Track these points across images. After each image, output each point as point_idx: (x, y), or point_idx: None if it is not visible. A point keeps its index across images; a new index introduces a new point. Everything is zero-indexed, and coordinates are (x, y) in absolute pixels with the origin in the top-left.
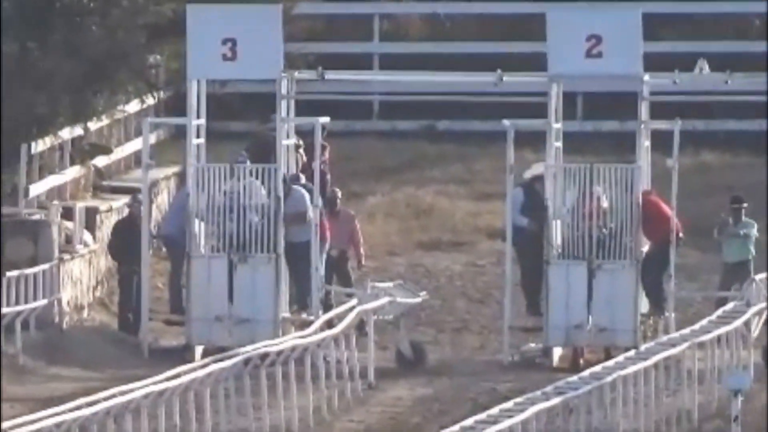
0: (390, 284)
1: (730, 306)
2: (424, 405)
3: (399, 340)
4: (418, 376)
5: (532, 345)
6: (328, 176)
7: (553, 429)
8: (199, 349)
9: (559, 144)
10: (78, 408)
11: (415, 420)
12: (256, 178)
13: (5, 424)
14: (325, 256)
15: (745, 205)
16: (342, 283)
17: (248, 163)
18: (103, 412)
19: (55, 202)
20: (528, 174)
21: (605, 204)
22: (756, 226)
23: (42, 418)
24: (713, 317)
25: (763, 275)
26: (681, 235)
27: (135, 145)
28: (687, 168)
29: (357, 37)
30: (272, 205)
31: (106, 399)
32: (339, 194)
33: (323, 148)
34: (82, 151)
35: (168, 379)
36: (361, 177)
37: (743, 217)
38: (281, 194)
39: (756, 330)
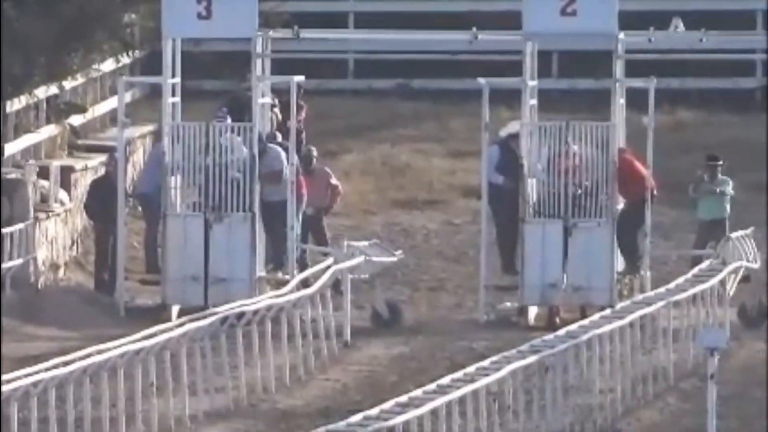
0: (365, 243)
1: (705, 264)
2: (400, 364)
3: (375, 299)
4: (394, 335)
5: (508, 304)
6: (304, 135)
7: (529, 387)
8: (175, 309)
9: (534, 102)
10: (54, 367)
11: (392, 378)
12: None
13: None
14: (301, 215)
15: (720, 162)
16: (318, 242)
17: (228, 120)
18: (79, 371)
19: (31, 161)
20: (503, 132)
21: (577, 162)
22: (731, 183)
23: (18, 378)
24: (689, 276)
25: (738, 233)
26: (655, 193)
27: (110, 103)
28: (662, 126)
29: None
30: (248, 164)
31: (82, 358)
32: (314, 152)
33: (299, 107)
34: (58, 109)
35: (144, 338)
36: (336, 135)
37: (719, 175)
38: (256, 152)
39: (731, 288)
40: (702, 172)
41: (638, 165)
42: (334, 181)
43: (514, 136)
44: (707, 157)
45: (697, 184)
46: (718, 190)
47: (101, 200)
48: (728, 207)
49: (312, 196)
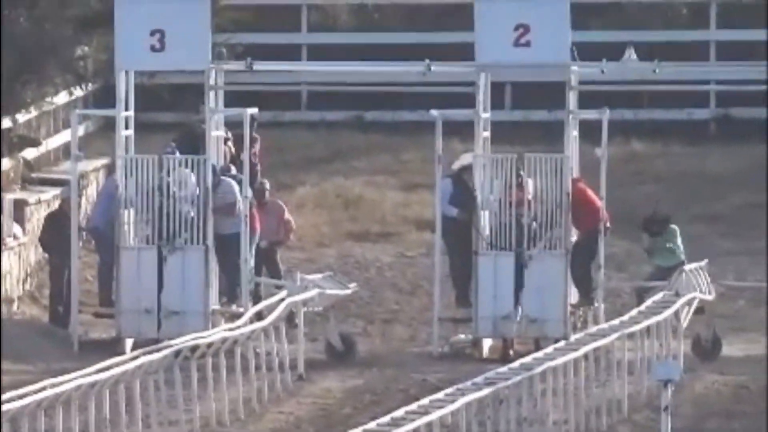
0: (319, 276)
1: (659, 296)
2: (354, 396)
3: (329, 331)
4: (349, 367)
5: (462, 336)
6: (258, 167)
7: (483, 419)
8: (129, 342)
9: (488, 134)
10: (9, 401)
11: (346, 411)
12: (186, 168)
13: None
14: (254, 247)
15: (666, 220)
16: (272, 275)
17: (177, 153)
18: (33, 405)
19: None
20: (456, 165)
21: (530, 194)
22: (678, 231)
23: None
24: (642, 308)
25: (692, 265)
26: (609, 225)
27: (64, 136)
28: (616, 157)
29: (285, 27)
30: (201, 197)
31: (36, 392)
32: (267, 185)
33: (253, 139)
34: (11, 142)
35: (98, 371)
36: (290, 168)
37: (667, 229)
38: (210, 185)
39: (685, 320)
40: (655, 214)
41: (592, 195)
42: (287, 215)
43: (467, 168)
44: (645, 223)
45: (649, 243)
46: (668, 246)
47: (56, 233)
48: (682, 255)
49: (265, 229)
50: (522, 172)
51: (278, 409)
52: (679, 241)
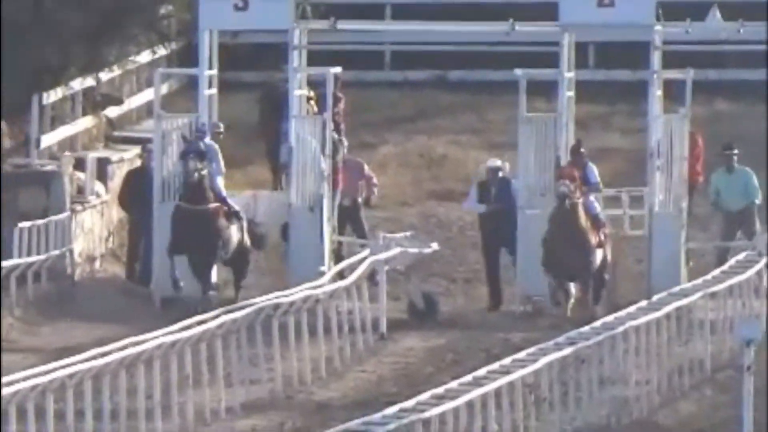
0: (402, 235)
1: (742, 256)
2: (436, 355)
3: (411, 290)
4: (430, 326)
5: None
6: (342, 126)
7: (565, 379)
8: (212, 299)
9: (571, 93)
10: (91, 359)
11: (428, 370)
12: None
13: (19, 375)
14: (337, 206)
15: (736, 151)
16: (356, 234)
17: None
18: (115, 363)
19: (67, 152)
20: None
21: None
22: (752, 174)
23: (55, 369)
24: (725, 267)
25: None
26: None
27: (146, 95)
28: (699, 117)
29: None
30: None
31: (118, 350)
32: (345, 143)
33: (337, 99)
34: (94, 101)
35: (180, 329)
36: (373, 127)
37: (735, 164)
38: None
39: None
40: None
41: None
42: (367, 171)
43: (494, 170)
44: (723, 146)
45: (715, 177)
46: (740, 186)
47: (136, 191)
48: (754, 195)
49: (347, 187)
50: (582, 149)
51: (360, 368)
52: (752, 179)
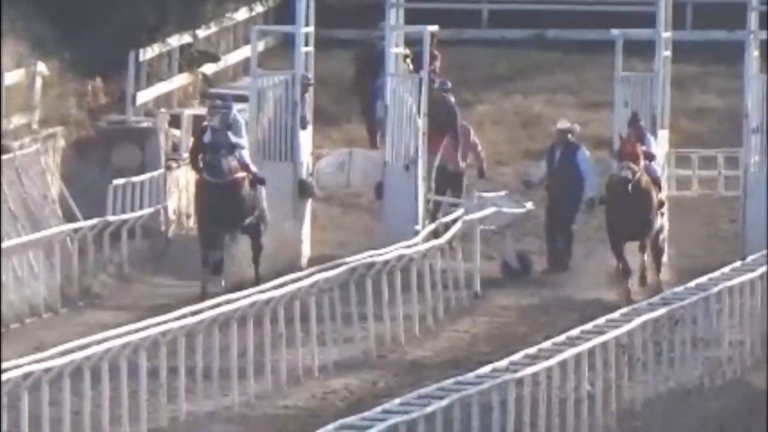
0: (496, 194)
1: None
2: (530, 315)
3: (505, 250)
4: (524, 286)
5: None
6: (436, 85)
7: (659, 339)
8: (305, 256)
9: (668, 53)
10: (183, 317)
11: (522, 329)
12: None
13: (111, 332)
14: (436, 167)
15: None
16: (453, 194)
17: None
18: (208, 321)
19: (163, 109)
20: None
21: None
22: None
23: (148, 327)
24: None
25: None
26: None
27: (243, 52)
28: None
29: None
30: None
31: (211, 308)
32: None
33: (433, 56)
34: (190, 58)
35: (274, 288)
36: (469, 86)
37: None
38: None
39: None
40: None
41: None
42: (473, 137)
43: (564, 132)
44: None
45: None
46: None
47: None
48: None
49: (447, 151)
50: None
51: (453, 327)
52: None
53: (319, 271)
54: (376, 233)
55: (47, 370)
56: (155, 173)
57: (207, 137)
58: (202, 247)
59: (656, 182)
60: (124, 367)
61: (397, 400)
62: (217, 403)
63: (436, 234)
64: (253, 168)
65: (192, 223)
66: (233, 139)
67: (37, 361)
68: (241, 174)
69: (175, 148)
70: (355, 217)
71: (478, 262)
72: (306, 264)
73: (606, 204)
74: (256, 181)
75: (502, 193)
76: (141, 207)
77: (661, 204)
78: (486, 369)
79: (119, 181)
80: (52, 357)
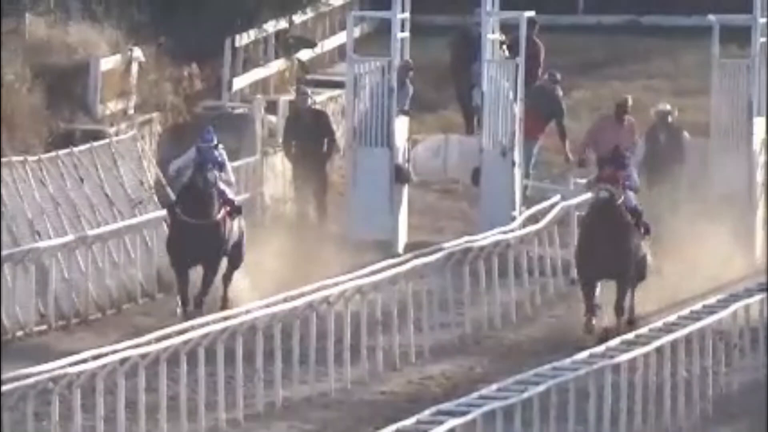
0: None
1: None
2: None
3: None
4: None
5: None
6: (539, 71)
7: (755, 325)
8: (401, 242)
9: (765, 39)
10: (280, 302)
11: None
12: None
13: (211, 317)
14: (535, 150)
15: None
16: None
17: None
18: (304, 307)
19: (259, 95)
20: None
21: None
22: None
23: (241, 314)
24: None
25: None
26: None
27: (339, 38)
28: None
29: None
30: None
31: (310, 293)
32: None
33: (536, 45)
34: (286, 44)
35: (370, 273)
36: (566, 71)
37: None
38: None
39: None
40: None
41: None
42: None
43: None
44: None
45: None
46: None
47: (292, 137)
48: None
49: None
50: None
51: (550, 313)
52: None
53: (416, 257)
54: (473, 219)
55: (144, 356)
56: (251, 159)
57: (193, 155)
58: (179, 285)
59: (634, 213)
60: (220, 352)
61: (494, 386)
62: (314, 388)
63: (533, 220)
64: (231, 196)
65: (288, 208)
66: (221, 158)
67: (133, 347)
68: (222, 213)
69: (271, 134)
70: (452, 202)
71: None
72: (403, 250)
73: (579, 235)
74: (234, 211)
75: None
76: (237, 192)
77: (644, 229)
78: (583, 355)
79: None
80: (148, 342)
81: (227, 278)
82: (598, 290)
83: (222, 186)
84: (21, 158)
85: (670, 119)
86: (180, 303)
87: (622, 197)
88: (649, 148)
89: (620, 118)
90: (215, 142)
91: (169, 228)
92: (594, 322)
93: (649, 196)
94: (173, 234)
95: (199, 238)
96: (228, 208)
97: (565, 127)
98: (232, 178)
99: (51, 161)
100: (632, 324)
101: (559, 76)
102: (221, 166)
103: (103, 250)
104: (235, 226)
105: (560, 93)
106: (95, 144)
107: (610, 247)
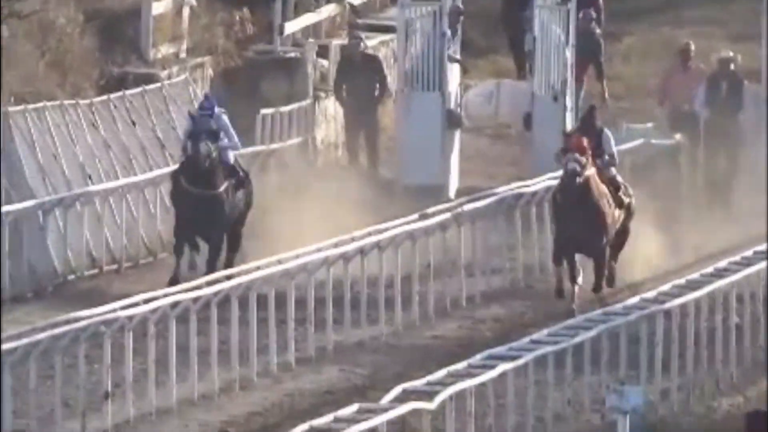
0: (644, 126)
1: None
2: (678, 246)
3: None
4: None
5: None
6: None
7: None
8: (452, 187)
9: None
10: (330, 247)
11: (672, 262)
12: None
13: (264, 260)
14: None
15: None
16: None
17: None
18: (354, 252)
19: (311, 39)
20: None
21: None
22: None
23: (294, 257)
24: None
25: None
26: None
27: None
28: None
29: None
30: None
31: (359, 238)
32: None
33: None
34: None
35: (420, 218)
36: (617, 17)
37: None
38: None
39: None
40: None
41: None
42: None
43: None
44: None
45: None
46: None
47: (345, 81)
48: None
49: None
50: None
51: None
52: None
53: (468, 202)
54: (525, 164)
55: (195, 299)
56: (303, 103)
57: (188, 125)
58: (175, 253)
59: (613, 182)
60: (271, 296)
61: (545, 331)
62: (365, 333)
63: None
64: (236, 164)
65: (339, 153)
66: (215, 126)
67: (185, 291)
68: (225, 185)
69: (323, 78)
70: (503, 147)
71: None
72: (454, 195)
73: (554, 222)
74: (241, 182)
75: (650, 124)
76: (289, 137)
77: (620, 204)
78: (634, 300)
79: (267, 111)
80: (199, 286)
81: (228, 265)
82: (577, 268)
83: (229, 155)
84: (73, 102)
85: (732, 66)
86: (173, 273)
87: (592, 169)
88: (709, 95)
89: (686, 64)
90: (214, 110)
91: (170, 197)
92: (564, 286)
93: (709, 146)
94: (175, 202)
95: (200, 208)
96: (233, 180)
97: (603, 64)
98: (236, 140)
99: (103, 105)
100: (610, 282)
101: (593, 14)
102: (215, 135)
103: (155, 194)
104: (240, 199)
105: (597, 31)
106: (147, 88)
107: (581, 223)
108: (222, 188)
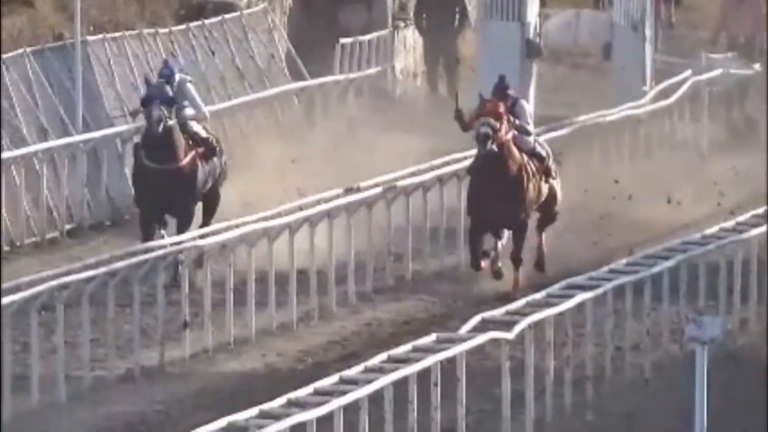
0: (723, 55)
1: None
2: (752, 177)
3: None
4: (753, 149)
5: None
6: None
7: None
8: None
9: None
10: (411, 175)
11: (748, 189)
12: None
13: (329, 193)
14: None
15: None
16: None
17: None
18: (432, 179)
19: None
20: None
21: None
22: None
23: (377, 185)
24: None
25: None
26: None
27: None
28: None
29: None
30: None
31: (436, 167)
32: None
33: None
34: None
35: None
36: None
37: None
38: None
39: None
40: None
41: None
42: None
43: None
44: None
45: None
46: None
47: (424, 11)
48: None
49: None
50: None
51: (678, 188)
52: None
53: (546, 131)
54: (604, 93)
55: (268, 229)
56: (383, 32)
57: (142, 91)
58: (142, 232)
59: (533, 153)
60: (350, 224)
61: (623, 260)
62: (443, 263)
63: (663, 95)
64: (204, 134)
65: (419, 83)
66: (173, 93)
67: (261, 220)
68: (190, 156)
69: (402, 7)
70: (583, 77)
71: (706, 121)
72: (533, 123)
73: (469, 195)
74: (212, 151)
75: (730, 54)
76: (368, 66)
77: (546, 172)
78: (713, 229)
79: (346, 40)
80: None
81: (208, 214)
82: (502, 240)
83: (193, 126)
84: (152, 31)
85: None
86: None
87: (509, 134)
88: None
89: None
90: (174, 76)
91: (132, 173)
92: (484, 265)
93: None
94: (136, 178)
95: (163, 184)
96: (200, 150)
97: None
98: (204, 109)
99: (182, 34)
100: (540, 267)
101: None
102: (171, 102)
103: (234, 123)
104: (208, 172)
105: None
106: (226, 16)
107: (498, 196)
108: (185, 160)
